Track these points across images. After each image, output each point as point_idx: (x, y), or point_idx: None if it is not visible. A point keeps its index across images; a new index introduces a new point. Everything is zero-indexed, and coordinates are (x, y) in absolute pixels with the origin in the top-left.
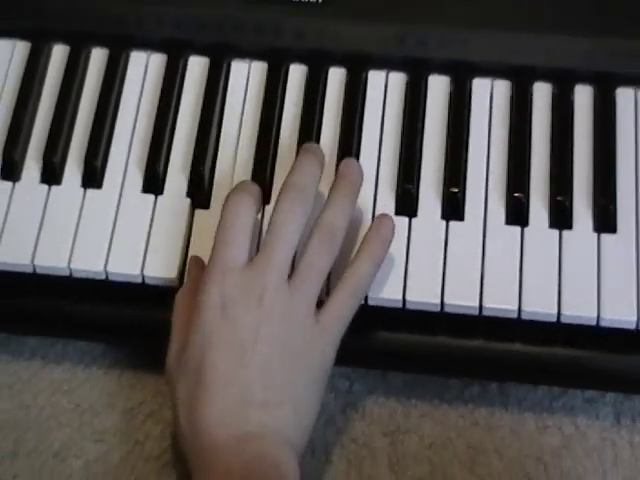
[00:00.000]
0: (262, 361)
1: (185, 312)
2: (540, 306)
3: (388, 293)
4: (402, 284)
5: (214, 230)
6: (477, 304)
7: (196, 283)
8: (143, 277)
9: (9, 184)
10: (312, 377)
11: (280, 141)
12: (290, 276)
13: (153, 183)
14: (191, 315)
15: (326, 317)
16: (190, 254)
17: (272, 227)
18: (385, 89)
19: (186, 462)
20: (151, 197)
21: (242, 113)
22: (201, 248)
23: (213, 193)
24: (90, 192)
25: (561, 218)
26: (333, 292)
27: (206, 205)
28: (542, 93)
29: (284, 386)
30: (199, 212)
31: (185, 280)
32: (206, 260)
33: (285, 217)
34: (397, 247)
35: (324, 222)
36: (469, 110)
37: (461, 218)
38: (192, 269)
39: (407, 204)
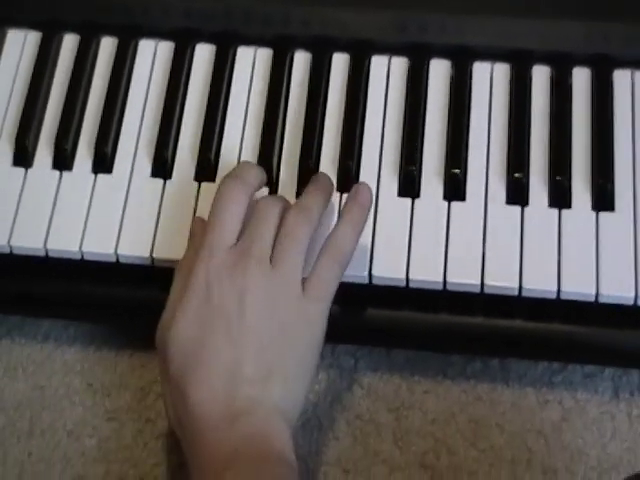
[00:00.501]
0: (249, 335)
1: (181, 280)
2: (540, 283)
3: (392, 272)
4: (405, 263)
5: None
6: (479, 282)
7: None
8: (152, 259)
9: (22, 170)
10: (301, 349)
11: (286, 127)
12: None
13: (162, 168)
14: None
15: (311, 286)
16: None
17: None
18: (388, 74)
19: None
20: (160, 181)
21: (248, 98)
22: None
23: (219, 172)
24: (100, 177)
25: (560, 197)
26: (316, 260)
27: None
28: (541, 76)
29: (273, 359)
30: (205, 185)
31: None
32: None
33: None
34: (400, 228)
35: (297, 203)
36: (470, 93)
37: (462, 199)
38: (196, 231)
39: (410, 185)
